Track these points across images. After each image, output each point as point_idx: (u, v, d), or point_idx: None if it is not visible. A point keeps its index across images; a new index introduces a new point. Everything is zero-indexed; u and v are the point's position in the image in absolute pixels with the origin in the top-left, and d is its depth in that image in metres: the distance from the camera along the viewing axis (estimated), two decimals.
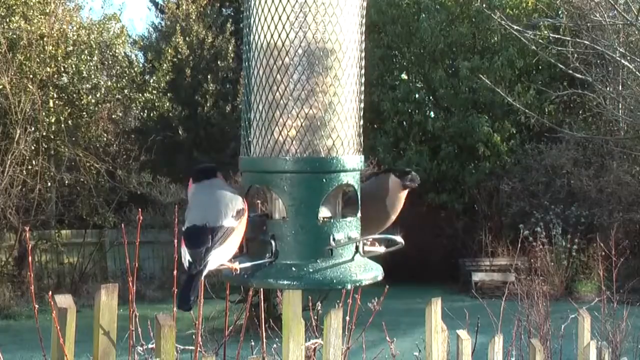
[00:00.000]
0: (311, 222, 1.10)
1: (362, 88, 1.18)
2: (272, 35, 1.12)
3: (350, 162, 1.13)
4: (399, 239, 1.14)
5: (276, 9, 1.11)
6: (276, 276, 1.09)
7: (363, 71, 1.18)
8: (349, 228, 1.13)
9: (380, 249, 1.17)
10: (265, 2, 1.12)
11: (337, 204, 1.17)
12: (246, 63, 1.18)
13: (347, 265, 1.11)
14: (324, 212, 1.15)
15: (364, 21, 1.17)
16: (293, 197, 1.10)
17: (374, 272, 1.13)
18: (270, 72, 1.12)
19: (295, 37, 1.11)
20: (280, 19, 1.10)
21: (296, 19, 1.10)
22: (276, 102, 1.12)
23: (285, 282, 1.09)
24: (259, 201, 1.20)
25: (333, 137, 1.12)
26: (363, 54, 1.18)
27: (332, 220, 1.13)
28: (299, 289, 1.10)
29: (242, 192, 1.20)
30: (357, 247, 1.14)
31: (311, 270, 1.09)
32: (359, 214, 1.16)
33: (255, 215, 1.19)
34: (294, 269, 1.09)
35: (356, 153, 1.16)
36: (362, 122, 1.18)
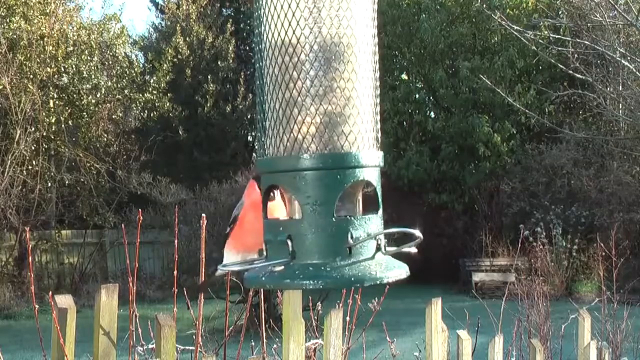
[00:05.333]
0: (327, 220, 1.08)
1: (377, 83, 1.17)
2: (286, 32, 1.10)
3: (366, 157, 1.11)
4: (417, 232, 1.13)
5: (289, 5, 1.10)
6: (293, 276, 1.08)
7: (377, 65, 1.17)
8: (368, 226, 1.12)
9: (410, 248, 1.16)
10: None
11: (356, 201, 1.16)
12: (259, 63, 1.16)
13: (366, 263, 1.09)
14: (343, 210, 1.14)
15: (376, 15, 1.17)
16: (307, 196, 1.09)
17: (396, 271, 1.11)
18: (287, 70, 1.11)
19: (310, 32, 1.09)
20: (294, 15, 1.09)
21: (310, 14, 1.09)
22: (293, 100, 1.10)
23: (303, 282, 1.07)
24: (270, 202, 1.19)
25: (352, 132, 1.11)
26: (376, 49, 1.17)
27: (349, 218, 1.11)
28: (317, 288, 1.08)
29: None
30: (378, 246, 1.12)
31: (329, 269, 1.07)
32: (379, 211, 1.15)
33: (273, 218, 1.18)
34: (311, 268, 1.08)
35: (373, 149, 1.15)
36: (378, 117, 1.17)
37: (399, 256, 1.17)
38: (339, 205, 1.11)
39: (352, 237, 1.08)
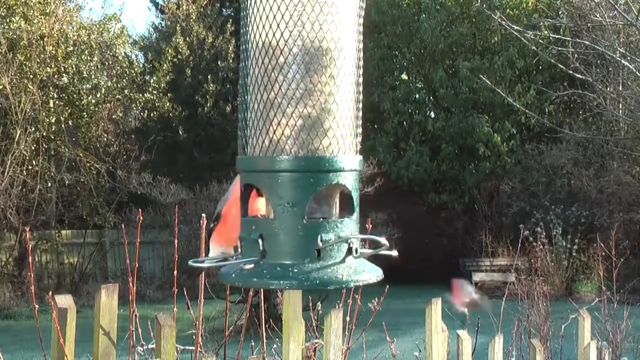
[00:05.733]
0: (297, 221, 1.09)
1: (360, 88, 1.17)
2: (267, 34, 1.11)
3: (342, 162, 1.12)
4: (383, 240, 1.13)
5: (271, 8, 1.11)
6: (261, 276, 1.09)
7: (361, 71, 1.17)
8: (341, 229, 1.12)
9: (390, 251, 1.15)
10: (261, 0, 1.12)
11: (333, 204, 1.17)
12: (243, 62, 1.18)
13: (335, 267, 1.10)
14: (318, 213, 1.14)
15: (361, 20, 1.17)
16: (280, 197, 1.10)
17: (365, 275, 1.11)
18: (266, 71, 1.12)
19: (290, 35, 1.11)
20: (275, 17, 1.10)
21: (290, 17, 1.10)
22: (271, 101, 1.12)
23: (269, 282, 1.08)
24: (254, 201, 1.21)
25: (327, 136, 1.12)
26: (361, 54, 1.17)
27: (321, 221, 1.12)
28: (282, 289, 1.09)
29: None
30: (349, 249, 1.12)
31: (296, 270, 1.08)
32: (355, 215, 1.16)
33: (250, 216, 1.19)
34: (279, 268, 1.08)
35: (351, 153, 1.15)
36: (360, 122, 1.18)
37: (399, 257, 1.16)
38: (315, 207, 1.12)
39: (321, 240, 1.09)
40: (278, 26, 1.10)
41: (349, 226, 1.13)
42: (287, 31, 1.10)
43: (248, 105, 1.15)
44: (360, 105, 1.17)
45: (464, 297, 3.39)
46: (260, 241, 1.10)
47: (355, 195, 1.15)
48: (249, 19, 1.15)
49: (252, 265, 1.09)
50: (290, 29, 1.10)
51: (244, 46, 1.17)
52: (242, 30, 1.18)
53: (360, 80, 1.17)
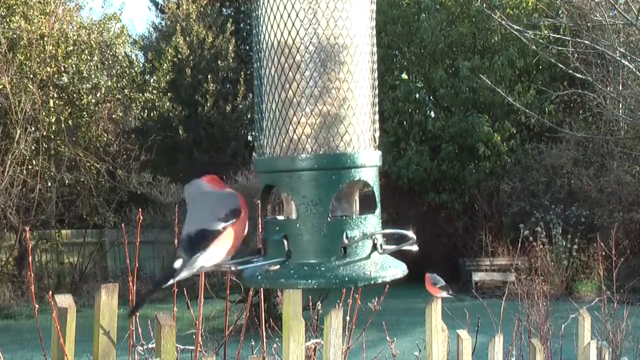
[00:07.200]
0: (322, 220, 1.09)
1: (376, 83, 1.17)
2: (282, 34, 1.11)
3: (362, 158, 1.11)
4: (411, 234, 1.13)
5: (285, 7, 1.10)
6: (288, 276, 1.08)
7: (375, 65, 1.17)
8: (364, 225, 1.12)
9: (411, 246, 1.15)
10: (275, 0, 1.12)
11: (353, 201, 1.16)
12: (257, 63, 1.17)
13: (362, 263, 1.10)
14: (340, 210, 1.14)
15: (374, 15, 1.17)
16: (302, 196, 1.09)
17: (392, 270, 1.11)
18: (283, 71, 1.12)
19: (306, 34, 1.10)
20: (289, 16, 1.10)
21: (305, 15, 1.10)
22: (289, 101, 1.11)
23: (297, 282, 1.08)
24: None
25: (348, 133, 1.11)
26: (374, 48, 1.17)
27: (345, 218, 1.12)
28: (310, 288, 1.09)
29: (232, 193, 1.19)
30: (374, 245, 1.12)
31: (323, 269, 1.07)
32: (377, 211, 1.15)
33: (271, 217, 1.18)
34: (306, 268, 1.08)
35: (370, 149, 1.15)
36: (377, 117, 1.17)
37: (399, 255, 1.16)
38: (336, 205, 1.12)
39: (347, 237, 1.09)
40: (293, 25, 1.10)
41: (372, 222, 1.13)
42: (302, 29, 1.10)
43: (265, 106, 1.15)
44: (377, 100, 1.17)
45: (437, 286, 3.91)
46: (285, 242, 1.09)
47: (377, 191, 1.15)
48: (261, 19, 1.14)
49: (277, 267, 1.09)
50: (305, 27, 1.10)
51: (256, 47, 1.16)
52: (254, 31, 1.17)
53: (376, 74, 1.17)
